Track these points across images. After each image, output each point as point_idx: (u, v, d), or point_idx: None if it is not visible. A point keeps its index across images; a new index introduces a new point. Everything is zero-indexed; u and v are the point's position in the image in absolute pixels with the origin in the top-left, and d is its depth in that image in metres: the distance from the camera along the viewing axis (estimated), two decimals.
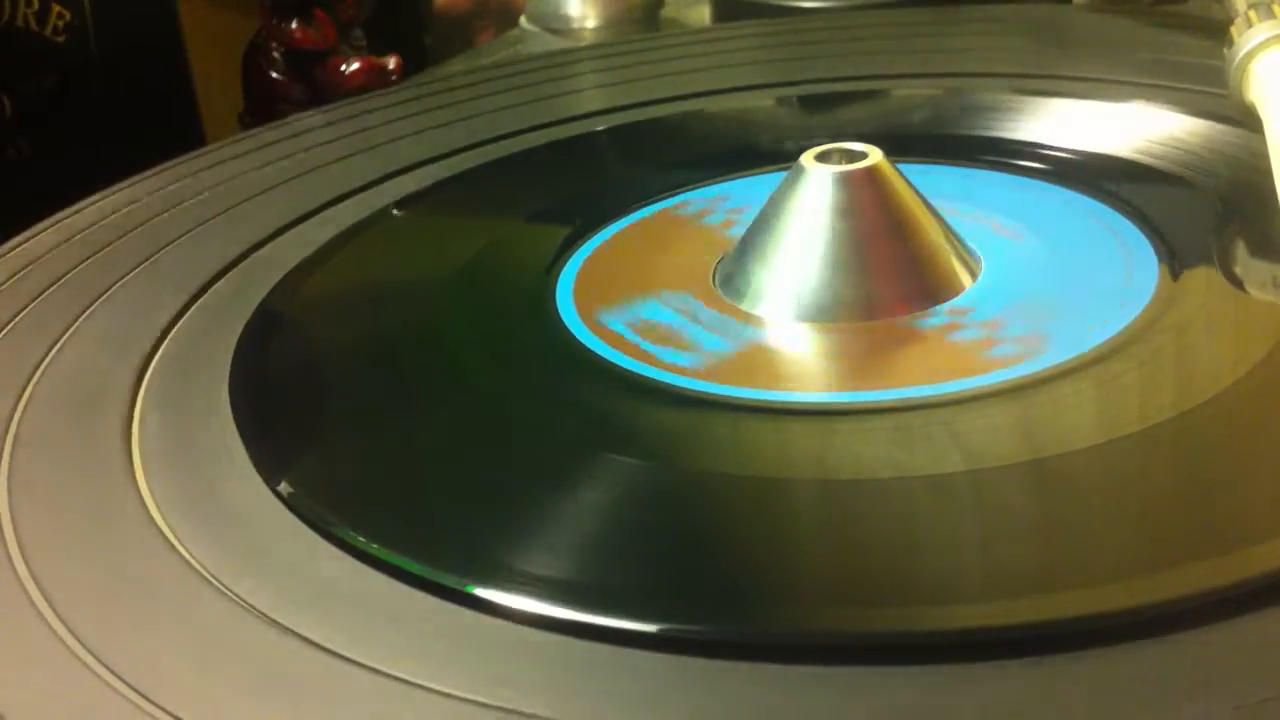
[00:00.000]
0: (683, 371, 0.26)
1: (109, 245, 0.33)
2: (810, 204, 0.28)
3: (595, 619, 0.18)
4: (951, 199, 0.32)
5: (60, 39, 0.46)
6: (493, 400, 0.26)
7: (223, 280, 0.31)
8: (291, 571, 0.20)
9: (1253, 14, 0.32)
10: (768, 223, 0.28)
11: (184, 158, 0.39)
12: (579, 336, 0.27)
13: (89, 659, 0.18)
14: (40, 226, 0.34)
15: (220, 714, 0.17)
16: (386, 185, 0.36)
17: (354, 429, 0.25)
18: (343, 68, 0.53)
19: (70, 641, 0.19)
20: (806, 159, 0.29)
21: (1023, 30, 0.46)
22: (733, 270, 0.29)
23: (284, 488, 0.22)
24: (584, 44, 0.61)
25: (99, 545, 0.21)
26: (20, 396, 0.26)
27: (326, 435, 0.25)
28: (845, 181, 0.28)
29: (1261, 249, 0.29)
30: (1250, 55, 0.31)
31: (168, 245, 0.33)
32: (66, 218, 0.35)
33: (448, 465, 0.23)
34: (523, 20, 0.64)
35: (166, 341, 0.28)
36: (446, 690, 0.17)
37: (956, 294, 0.28)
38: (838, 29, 0.50)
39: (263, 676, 0.18)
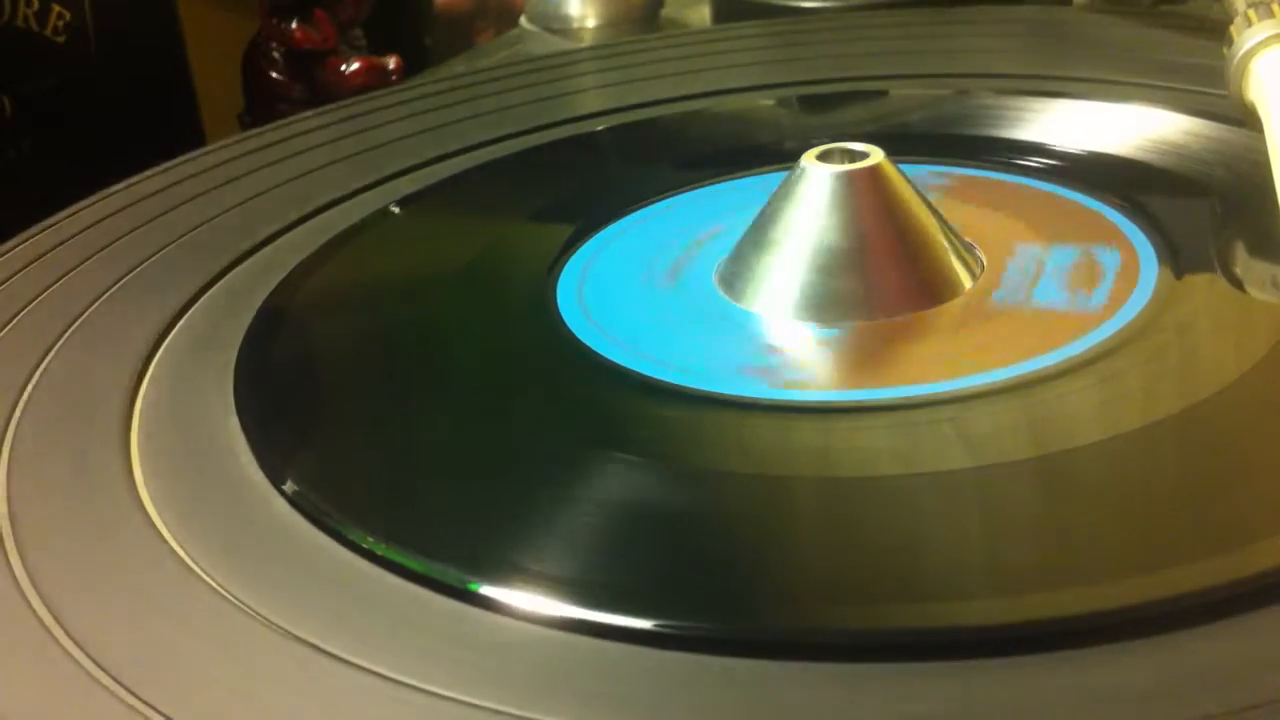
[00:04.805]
0: (686, 370, 0.26)
1: (109, 245, 0.33)
2: (811, 204, 0.28)
3: (599, 616, 0.18)
4: (952, 199, 0.32)
5: (60, 39, 0.46)
6: (495, 398, 0.26)
7: (224, 281, 0.31)
8: (294, 570, 0.20)
9: (1252, 13, 0.32)
10: (768, 222, 0.28)
11: (184, 158, 0.39)
12: (581, 336, 0.27)
13: (86, 661, 0.18)
14: (40, 226, 0.34)
15: (220, 716, 0.17)
16: (386, 185, 0.36)
17: (357, 428, 0.25)
18: (343, 68, 0.53)
19: (67, 644, 0.18)
20: (807, 159, 0.29)
21: (1023, 30, 0.46)
22: (733, 270, 0.29)
23: (288, 486, 0.22)
24: (584, 44, 0.61)
25: (98, 545, 0.21)
26: (20, 396, 0.26)
27: (329, 434, 0.25)
28: (846, 181, 0.28)
29: (1261, 249, 0.29)
30: (1250, 55, 0.31)
31: (168, 245, 0.33)
32: (66, 218, 0.35)
33: (451, 463, 0.24)
34: (523, 20, 0.64)
35: (167, 341, 0.28)
36: (448, 688, 0.17)
37: (957, 293, 0.28)
38: (838, 29, 0.50)
39: (263, 677, 0.18)
